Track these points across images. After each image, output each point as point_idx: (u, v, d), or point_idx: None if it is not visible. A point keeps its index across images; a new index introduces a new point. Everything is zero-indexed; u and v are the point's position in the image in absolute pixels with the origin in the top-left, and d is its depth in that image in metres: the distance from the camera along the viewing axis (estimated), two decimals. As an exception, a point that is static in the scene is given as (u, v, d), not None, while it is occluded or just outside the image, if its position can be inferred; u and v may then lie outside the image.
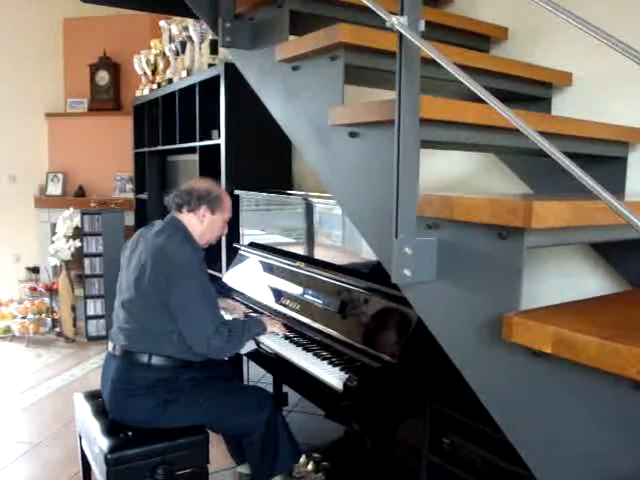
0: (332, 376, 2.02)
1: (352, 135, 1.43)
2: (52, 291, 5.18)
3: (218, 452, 2.72)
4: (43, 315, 5.17)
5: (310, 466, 2.56)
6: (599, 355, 0.92)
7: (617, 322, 1.08)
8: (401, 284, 1.26)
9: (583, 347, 0.94)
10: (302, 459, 2.53)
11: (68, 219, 5.03)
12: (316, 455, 2.61)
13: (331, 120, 1.48)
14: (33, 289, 5.48)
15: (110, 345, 2.33)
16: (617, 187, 1.89)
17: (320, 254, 2.76)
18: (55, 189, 5.97)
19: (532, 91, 2.02)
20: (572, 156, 1.57)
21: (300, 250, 2.91)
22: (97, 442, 2.16)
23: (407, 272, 1.20)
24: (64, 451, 3.02)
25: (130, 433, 2.17)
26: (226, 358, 2.58)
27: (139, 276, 2.24)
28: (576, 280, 2.11)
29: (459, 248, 1.19)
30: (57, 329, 5.10)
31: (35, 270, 5.89)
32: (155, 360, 2.23)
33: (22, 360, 4.55)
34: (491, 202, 1.07)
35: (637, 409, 0.92)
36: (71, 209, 5.09)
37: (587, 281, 2.07)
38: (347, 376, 1.96)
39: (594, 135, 1.67)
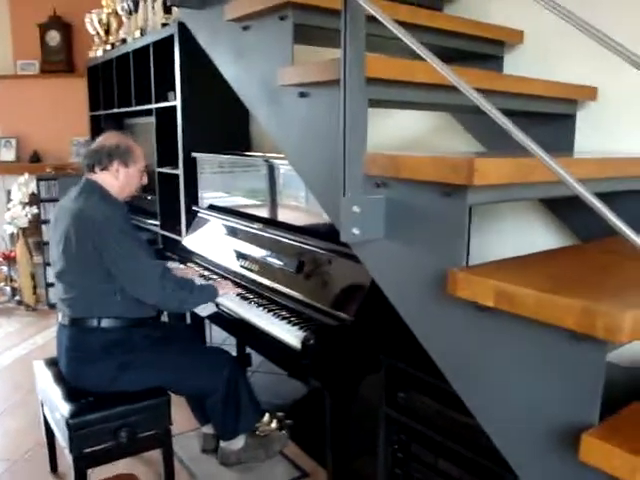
0: (290, 335, 2.05)
1: (302, 95, 1.42)
2: (10, 259, 5.08)
3: (183, 415, 2.75)
4: (1, 284, 5.10)
5: (274, 424, 2.61)
6: (537, 307, 0.95)
7: (557, 275, 1.12)
8: (350, 242, 1.27)
9: (522, 300, 0.97)
10: (266, 417, 2.58)
11: (23, 185, 4.93)
12: (279, 413, 2.67)
13: (281, 80, 1.47)
14: (-10, 258, 5.37)
15: (60, 315, 2.33)
16: (566, 144, 1.92)
17: (281, 216, 2.76)
18: (8, 155, 5.78)
19: (484, 49, 2.02)
20: (521, 114, 1.59)
21: (260, 212, 2.90)
22: (59, 408, 2.17)
23: (356, 230, 1.21)
24: (27, 419, 3.02)
25: (91, 398, 2.18)
26: (183, 316, 2.57)
27: (65, 246, 2.23)
28: (530, 237, 2.16)
29: (407, 206, 1.20)
30: (17, 298, 5.04)
31: (-9, 238, 5.76)
32: (105, 323, 2.24)
33: (-19, 330, 4.49)
34: (434, 160, 1.08)
35: (574, 358, 0.96)
36: (26, 175, 4.98)
37: (540, 237, 2.12)
38: (305, 334, 2.00)
39: (542, 93, 1.68)
